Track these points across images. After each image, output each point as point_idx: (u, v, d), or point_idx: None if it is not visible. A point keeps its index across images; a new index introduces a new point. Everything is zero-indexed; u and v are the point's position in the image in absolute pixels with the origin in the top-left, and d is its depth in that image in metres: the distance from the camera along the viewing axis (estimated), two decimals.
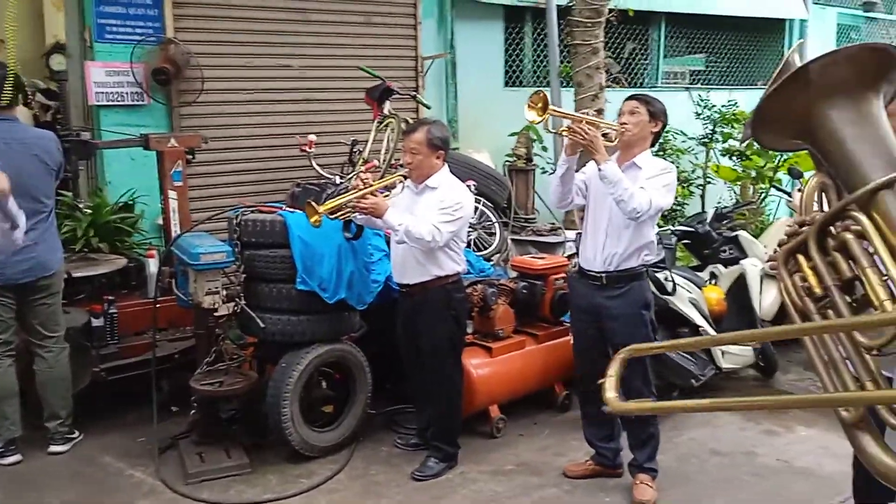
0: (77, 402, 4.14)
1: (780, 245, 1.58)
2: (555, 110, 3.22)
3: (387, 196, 3.69)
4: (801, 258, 1.41)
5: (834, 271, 1.36)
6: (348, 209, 3.62)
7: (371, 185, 3.58)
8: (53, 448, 4.03)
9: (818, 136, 1.38)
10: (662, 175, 3.35)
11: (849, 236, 1.32)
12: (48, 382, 4.02)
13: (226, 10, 5.59)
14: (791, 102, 1.36)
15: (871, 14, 9.57)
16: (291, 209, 4.09)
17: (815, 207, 1.58)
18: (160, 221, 5.03)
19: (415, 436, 4.14)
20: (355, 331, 4.22)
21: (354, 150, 5.48)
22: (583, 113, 3.47)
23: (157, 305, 4.22)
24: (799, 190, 5.67)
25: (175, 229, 4.61)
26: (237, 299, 3.92)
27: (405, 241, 3.56)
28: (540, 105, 3.18)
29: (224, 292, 3.91)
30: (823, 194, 1.59)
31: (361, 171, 4.56)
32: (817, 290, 1.38)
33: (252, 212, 4.09)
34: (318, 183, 4.48)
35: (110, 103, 5.25)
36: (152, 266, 4.65)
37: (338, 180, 4.75)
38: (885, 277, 1.27)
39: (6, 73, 3.86)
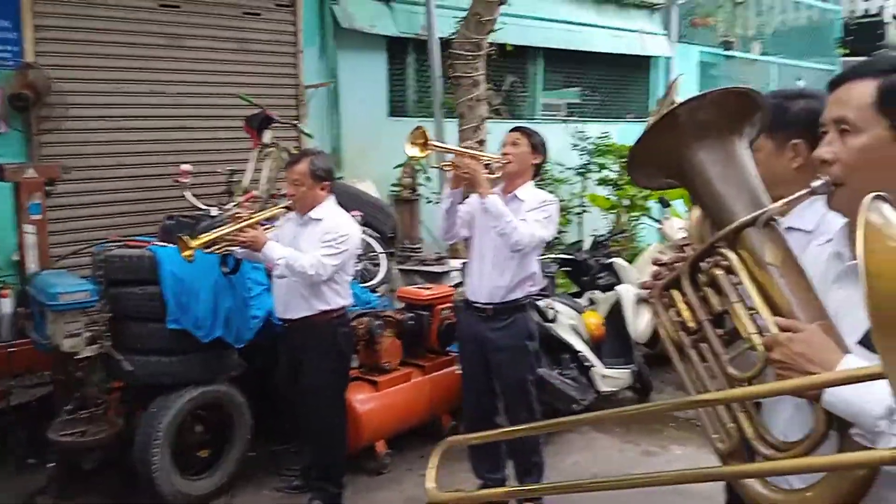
0: None
1: (653, 277, 1.62)
2: (436, 145, 3.24)
3: (268, 229, 3.56)
4: (675, 293, 1.45)
5: (706, 305, 1.41)
6: (225, 243, 3.46)
7: (250, 217, 3.44)
8: None
9: (688, 175, 1.43)
10: (544, 207, 3.42)
11: (718, 272, 1.37)
12: None
13: (92, 34, 5.28)
14: (662, 144, 1.40)
15: (729, 53, 10.31)
16: (163, 244, 3.87)
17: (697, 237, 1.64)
18: (15, 258, 4.63)
19: (298, 477, 3.98)
20: (233, 370, 4.03)
21: (232, 179, 5.29)
22: (464, 146, 3.50)
23: (12, 350, 3.88)
24: (666, 218, 5.98)
25: (32, 266, 4.25)
26: (101, 341, 3.66)
27: (286, 275, 3.44)
28: (421, 141, 3.18)
29: (87, 334, 3.64)
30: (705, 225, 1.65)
31: (241, 200, 4.42)
32: (691, 325, 1.42)
33: (119, 247, 3.85)
34: (192, 215, 4.28)
35: None
36: (6, 307, 4.29)
37: (214, 212, 4.56)
38: (752, 311, 1.32)
39: None
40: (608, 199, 7.62)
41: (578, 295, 5.25)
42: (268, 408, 4.12)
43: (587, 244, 5.32)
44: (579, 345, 4.64)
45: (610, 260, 5.30)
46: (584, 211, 7.74)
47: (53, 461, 3.70)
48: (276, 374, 3.82)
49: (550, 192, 7.26)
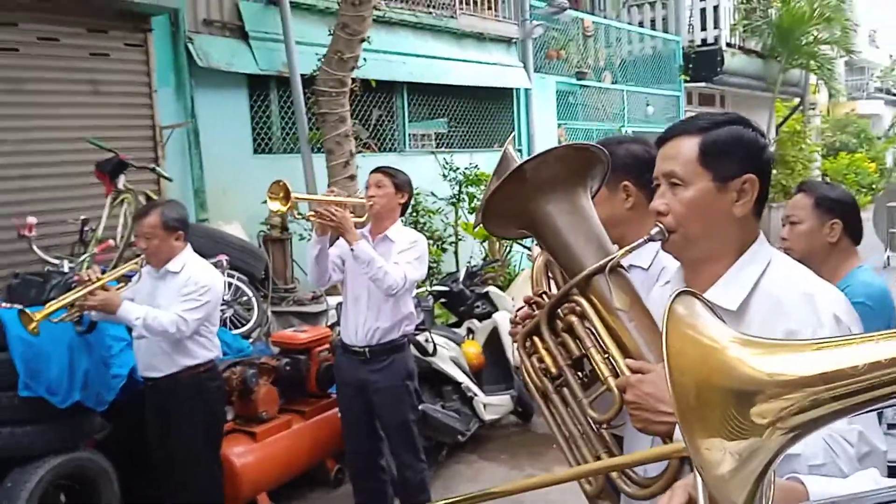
0: None
1: (512, 323, 1.67)
2: (298, 197, 3.20)
3: (121, 288, 3.36)
4: (536, 340, 1.50)
5: (565, 351, 1.46)
6: (76, 309, 3.24)
7: (100, 279, 3.24)
8: None
9: (538, 226, 1.49)
10: (413, 248, 3.45)
11: (573, 319, 1.43)
12: None
13: None
14: (512, 198, 1.46)
15: (583, 82, 10.89)
16: (9, 305, 3.58)
17: (544, 282, 1.71)
18: None
19: None
20: (96, 433, 3.77)
21: (86, 229, 4.99)
22: (328, 192, 3.49)
23: None
24: (536, 244, 6.18)
25: None
26: None
27: (145, 334, 3.27)
28: (282, 195, 3.13)
29: None
30: (549, 271, 1.72)
31: (96, 254, 4.17)
32: (553, 370, 1.48)
33: None
34: (40, 273, 3.98)
35: None
36: None
37: (66, 266, 4.27)
38: (606, 355, 1.39)
39: None
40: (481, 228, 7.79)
41: (457, 325, 5.32)
42: (137, 471, 3.88)
43: (462, 274, 5.40)
44: (460, 376, 4.69)
45: (485, 289, 5.41)
46: (459, 240, 7.87)
47: None
48: (144, 434, 3.60)
49: (423, 223, 7.41)
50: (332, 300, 5.53)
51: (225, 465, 3.72)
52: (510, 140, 2.08)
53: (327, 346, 4.51)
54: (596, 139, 9.76)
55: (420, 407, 3.67)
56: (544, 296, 1.56)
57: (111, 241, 4.73)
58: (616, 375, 1.36)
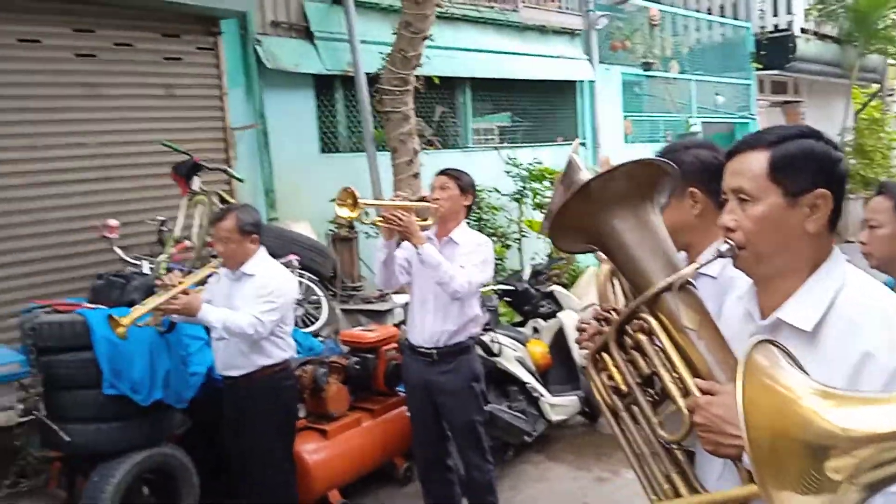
0: None
1: (579, 331, 1.67)
2: (366, 203, 3.26)
3: (200, 290, 3.49)
4: (605, 357, 1.50)
5: (634, 369, 1.46)
6: (159, 313, 3.38)
7: (181, 283, 3.37)
8: None
9: (605, 242, 1.49)
10: (479, 250, 3.46)
11: (642, 337, 1.42)
12: None
13: (7, 88, 5.11)
14: (578, 214, 1.46)
15: (649, 72, 10.67)
16: (94, 305, 3.76)
17: (609, 292, 1.70)
18: None
19: None
20: (176, 430, 3.93)
21: (163, 229, 5.18)
22: (395, 197, 3.52)
23: None
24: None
25: None
26: (36, 412, 3.52)
27: (225, 336, 3.39)
28: (350, 201, 3.19)
29: (20, 406, 3.50)
30: (614, 280, 1.71)
31: (173, 251, 4.33)
32: (623, 388, 1.47)
33: (47, 312, 3.71)
34: (123, 274, 4.16)
35: None
36: None
37: (146, 266, 4.45)
38: (675, 375, 1.38)
39: None
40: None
41: (522, 324, 5.31)
42: (215, 465, 4.02)
43: (527, 273, 5.39)
44: (526, 376, 4.69)
45: (550, 287, 5.38)
46: (523, 236, 7.84)
47: None
48: (222, 430, 3.73)
49: (487, 220, 7.41)
50: (399, 298, 5.60)
51: (297, 462, 3.82)
52: (575, 147, 2.07)
53: (395, 345, 4.57)
54: (663, 130, 9.59)
55: (486, 408, 3.69)
56: (613, 312, 1.55)
57: (187, 242, 4.89)
58: (685, 395, 1.35)
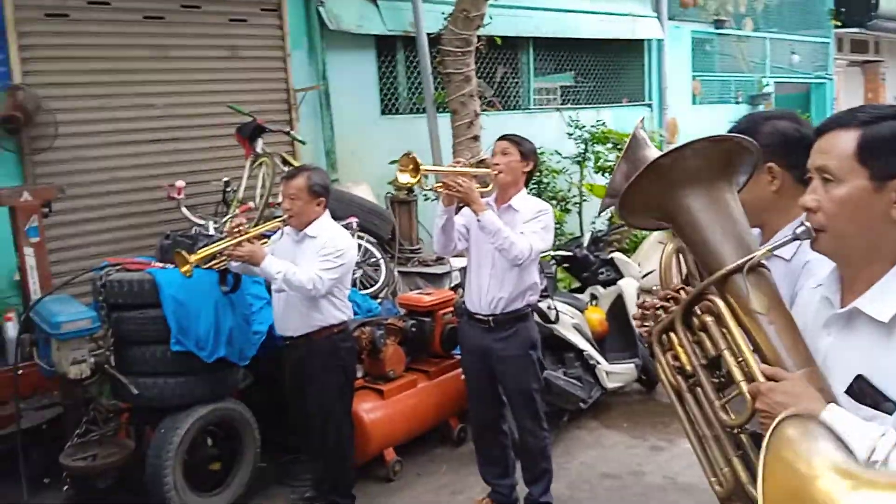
0: None
1: (640, 307, 1.63)
2: (427, 169, 3.24)
3: (265, 243, 3.56)
4: (672, 336, 1.47)
5: (700, 350, 1.42)
6: (223, 257, 3.47)
7: (247, 232, 3.44)
8: None
9: (675, 220, 1.44)
10: (539, 217, 3.42)
11: (708, 319, 1.38)
12: None
13: (78, 50, 5.26)
14: (649, 192, 1.41)
15: (721, 30, 10.25)
16: (162, 264, 3.88)
17: (675, 273, 1.65)
18: (17, 278, 4.65)
19: (309, 488, 4.02)
20: (239, 386, 4.05)
21: (228, 190, 5.29)
22: (455, 163, 3.49)
23: (19, 372, 3.89)
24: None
25: (34, 288, 4.27)
26: (107, 365, 3.68)
27: (285, 289, 3.45)
28: (411, 167, 3.17)
29: (91, 359, 3.66)
30: (679, 258, 1.66)
31: (237, 215, 4.42)
32: (687, 368, 1.44)
33: (118, 270, 3.85)
34: (189, 234, 4.27)
35: None
36: (11, 330, 4.31)
37: (211, 226, 4.56)
38: (741, 359, 1.33)
39: None
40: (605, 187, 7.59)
41: (580, 290, 5.26)
42: (275, 420, 4.15)
43: (586, 239, 5.31)
44: (583, 343, 4.66)
45: (610, 254, 5.30)
46: (584, 200, 7.72)
47: (68, 483, 3.74)
48: (282, 387, 3.84)
49: (547, 182, 7.31)
50: (456, 262, 5.61)
51: (355, 421, 3.91)
52: (640, 122, 2.00)
53: (451, 308, 4.60)
54: (734, 91, 9.20)
55: (542, 374, 3.69)
56: (681, 291, 1.51)
57: (251, 203, 4.99)
58: (750, 380, 1.31)
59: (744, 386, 1.31)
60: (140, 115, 5.53)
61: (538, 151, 3.78)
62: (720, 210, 1.41)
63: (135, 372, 3.71)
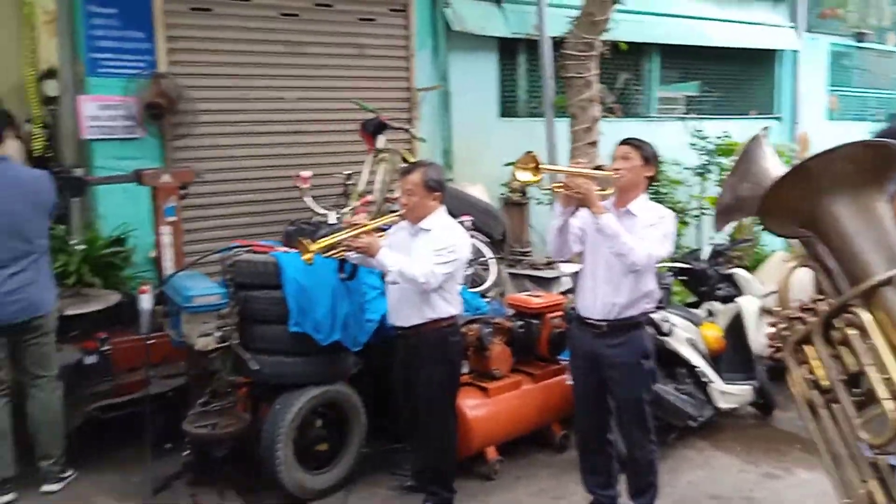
0: (72, 441, 4.09)
1: (773, 329, 1.56)
2: (547, 168, 3.21)
3: (381, 236, 3.67)
4: (807, 349, 1.41)
5: (839, 364, 1.36)
6: (342, 248, 3.60)
7: (365, 225, 3.56)
8: (47, 487, 3.98)
9: (821, 228, 1.38)
10: (660, 224, 3.34)
11: (851, 332, 1.32)
12: (41, 422, 3.98)
13: (219, 43, 5.59)
14: (794, 196, 1.36)
15: (862, 43, 9.66)
16: (286, 249, 4.06)
17: (794, 288, 1.58)
18: (153, 255, 4.99)
19: (410, 478, 4.09)
20: (350, 371, 4.18)
21: (349, 183, 5.47)
22: (576, 164, 3.46)
23: (151, 342, 4.17)
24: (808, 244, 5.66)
25: (168, 265, 4.57)
26: (231, 341, 3.88)
27: (398, 281, 3.54)
28: (532, 165, 3.16)
29: (217, 334, 3.88)
30: (813, 268, 1.58)
31: (357, 207, 4.57)
32: (824, 383, 1.38)
33: (246, 251, 4.06)
34: (312, 222, 4.46)
35: (103, 137, 5.22)
36: (145, 302, 4.57)
37: (332, 216, 4.72)
38: (887, 376, 1.26)
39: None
40: None
41: (696, 305, 5.09)
42: (381, 408, 4.25)
43: (705, 252, 5.13)
44: (696, 359, 4.50)
45: (730, 270, 5.10)
46: (703, 214, 7.47)
47: (188, 449, 3.98)
48: (390, 376, 3.93)
49: (666, 193, 7.12)
50: (566, 267, 5.57)
51: (459, 416, 3.95)
52: (763, 132, 1.92)
53: (560, 313, 4.56)
54: (873, 108, 8.66)
55: (653, 389, 3.60)
56: (819, 303, 1.45)
57: (370, 197, 5.13)
58: (895, 399, 1.24)
59: (889, 405, 1.24)
60: (272, 107, 5.81)
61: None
62: (870, 218, 1.34)
63: (255, 349, 3.90)
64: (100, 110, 5.19)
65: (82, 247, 4.81)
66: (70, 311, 4.35)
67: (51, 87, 5.44)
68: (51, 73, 5.35)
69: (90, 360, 4.25)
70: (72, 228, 5.06)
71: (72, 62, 5.22)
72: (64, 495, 3.95)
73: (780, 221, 1.46)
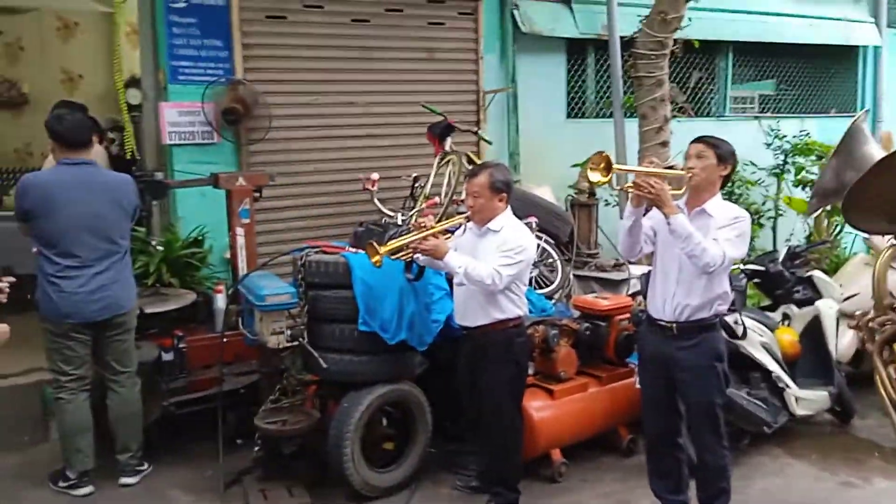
0: (147, 435, 4.25)
1: (851, 317, 1.50)
2: (619, 168, 3.17)
3: (448, 238, 3.69)
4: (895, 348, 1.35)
5: None
6: (409, 250, 3.63)
7: (433, 227, 3.59)
8: (124, 480, 4.13)
9: None
10: (735, 224, 3.25)
11: None
12: (121, 416, 4.13)
13: (292, 50, 5.73)
14: (886, 190, 1.30)
15: None
16: (355, 250, 4.13)
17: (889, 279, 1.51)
18: (227, 255, 5.16)
19: (474, 478, 4.10)
20: (416, 370, 4.22)
21: (416, 185, 5.52)
22: (647, 163, 3.39)
23: (225, 340, 4.31)
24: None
25: (242, 266, 4.71)
26: (300, 339, 3.97)
27: (465, 282, 3.56)
28: (603, 165, 3.12)
29: (288, 332, 3.97)
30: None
31: (423, 210, 4.61)
32: None
33: (316, 252, 4.15)
34: (380, 224, 4.53)
35: (183, 142, 5.43)
36: (220, 301, 4.76)
37: (399, 218, 4.78)
38: None
39: (85, 116, 4.06)
40: (807, 201, 7.05)
41: (771, 308, 4.92)
42: (447, 409, 4.27)
43: (781, 254, 4.96)
44: (771, 364, 4.35)
45: (808, 273, 4.91)
46: (780, 215, 7.22)
47: (259, 445, 4.09)
48: (455, 377, 3.95)
49: (740, 194, 6.93)
50: (635, 269, 5.48)
51: (524, 417, 3.93)
52: (863, 115, 1.85)
53: (628, 315, 4.49)
54: None
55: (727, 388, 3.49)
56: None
57: (437, 199, 5.17)
58: None
59: None
60: (343, 111, 5.93)
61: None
62: None
63: (325, 347, 3.97)
64: (179, 116, 5.40)
65: (162, 248, 5.01)
66: (149, 310, 4.53)
67: (133, 96, 5.71)
68: (134, 82, 5.62)
69: (167, 357, 4.41)
70: (152, 230, 5.28)
71: (154, 71, 5.45)
72: (139, 488, 4.09)
73: (866, 217, 1.40)
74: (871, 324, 1.40)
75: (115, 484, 4.09)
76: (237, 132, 5.54)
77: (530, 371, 4.18)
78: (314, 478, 4.05)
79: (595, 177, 3.15)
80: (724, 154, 3.34)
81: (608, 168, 3.12)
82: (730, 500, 3.48)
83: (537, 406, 4.14)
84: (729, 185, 6.74)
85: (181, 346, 4.46)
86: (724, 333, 3.65)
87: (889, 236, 4.96)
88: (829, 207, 6.71)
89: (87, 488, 4.02)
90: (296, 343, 3.98)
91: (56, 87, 7.88)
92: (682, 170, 3.34)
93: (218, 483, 4.02)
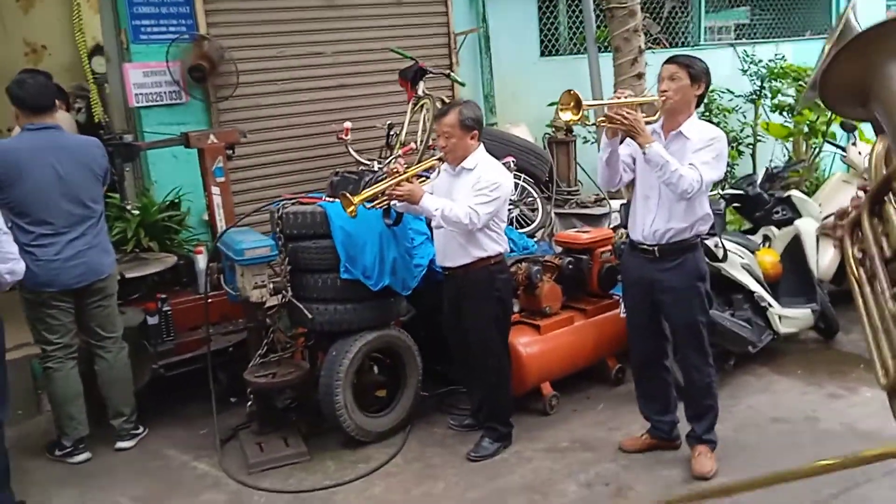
0: (140, 399, 4.26)
1: (839, 215, 1.49)
2: (589, 104, 3.10)
3: (423, 181, 3.66)
4: (862, 228, 1.34)
5: (887, 241, 1.29)
6: (384, 198, 3.60)
7: (406, 172, 3.55)
8: (120, 444, 4.15)
9: (879, 99, 1.29)
10: (712, 145, 3.22)
11: (892, 210, 1.25)
12: (110, 382, 4.13)
13: (256, 2, 5.59)
14: (851, 70, 1.27)
15: None
16: (331, 199, 4.09)
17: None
18: (206, 217, 5.11)
19: (468, 416, 4.15)
20: (402, 315, 4.23)
21: (391, 133, 5.46)
22: (618, 95, 3.33)
23: (209, 301, 4.29)
24: (853, 143, 5.43)
25: (220, 224, 4.67)
26: (284, 291, 3.96)
27: (443, 225, 3.54)
28: (573, 104, 3.07)
29: (271, 285, 3.96)
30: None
31: (399, 156, 4.56)
32: (867, 256, 1.31)
33: (293, 204, 4.11)
34: (356, 171, 4.48)
35: (150, 104, 5.32)
36: (201, 262, 4.72)
37: (376, 166, 4.74)
38: None
39: (49, 81, 3.96)
40: (785, 126, 7.03)
41: (751, 232, 4.94)
42: (436, 353, 4.30)
43: (760, 177, 4.95)
44: (753, 285, 4.39)
45: (787, 193, 4.92)
46: (759, 141, 7.20)
47: (251, 400, 4.11)
48: (441, 319, 3.96)
49: (718, 123, 6.89)
50: (615, 203, 5.47)
51: (511, 353, 3.96)
52: (851, 6, 1.80)
53: (610, 247, 4.50)
54: None
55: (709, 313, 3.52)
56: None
57: (413, 145, 5.12)
58: None
59: None
60: (312, 62, 5.81)
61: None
62: None
63: (309, 298, 3.96)
64: (145, 77, 5.27)
65: (137, 213, 4.94)
66: (130, 275, 4.48)
67: (99, 64, 5.56)
68: (98, 49, 5.47)
69: (152, 320, 4.39)
70: (126, 195, 5.20)
71: (116, 33, 5.30)
72: (136, 451, 4.12)
73: (838, 98, 1.37)
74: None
75: (111, 449, 4.11)
76: (205, 90, 5.43)
77: (516, 308, 4.20)
78: (310, 428, 4.08)
79: (566, 116, 3.10)
80: (698, 73, 3.29)
81: (578, 106, 3.06)
82: (717, 416, 3.55)
83: (525, 342, 4.17)
84: (706, 113, 6.74)
85: (166, 309, 4.43)
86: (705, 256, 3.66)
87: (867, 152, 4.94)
88: (806, 129, 6.71)
89: (84, 455, 4.04)
90: (279, 296, 3.97)
91: (20, 60, 7.68)
92: (654, 96, 3.29)
93: (214, 440, 4.04)
